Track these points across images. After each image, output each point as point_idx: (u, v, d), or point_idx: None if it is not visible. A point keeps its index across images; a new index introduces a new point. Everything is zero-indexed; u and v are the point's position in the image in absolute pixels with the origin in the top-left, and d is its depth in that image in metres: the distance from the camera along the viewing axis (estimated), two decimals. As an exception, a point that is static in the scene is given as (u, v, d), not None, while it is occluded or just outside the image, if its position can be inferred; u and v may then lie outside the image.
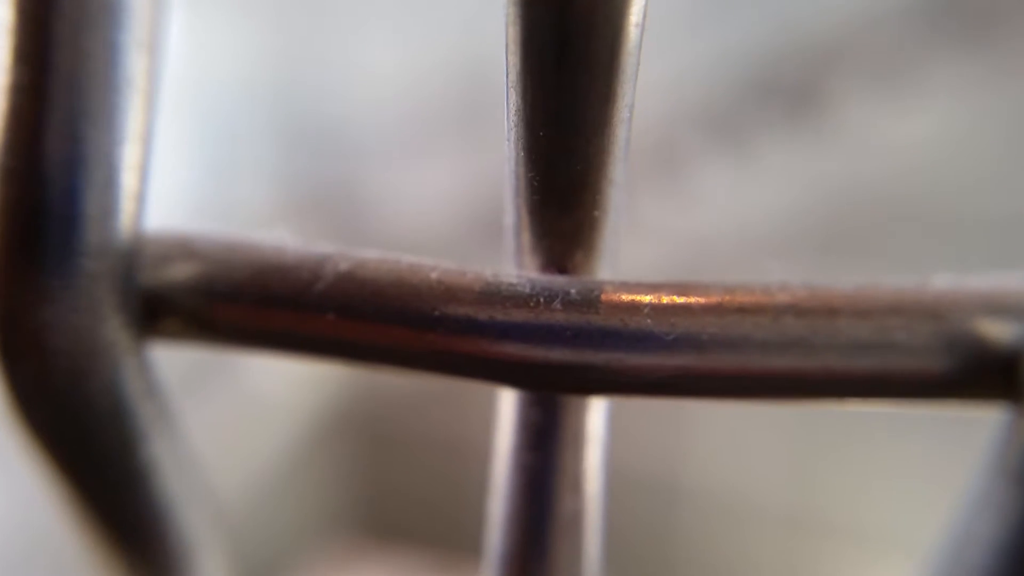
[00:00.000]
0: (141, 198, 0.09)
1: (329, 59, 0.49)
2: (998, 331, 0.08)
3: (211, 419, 0.45)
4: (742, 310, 0.08)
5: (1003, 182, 0.44)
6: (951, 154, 0.44)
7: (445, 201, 0.49)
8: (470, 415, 0.50)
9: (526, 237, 0.10)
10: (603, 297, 0.09)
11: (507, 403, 0.10)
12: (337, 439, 0.52)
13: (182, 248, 0.09)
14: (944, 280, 0.08)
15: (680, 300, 0.09)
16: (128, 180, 0.08)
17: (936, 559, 0.09)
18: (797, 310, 0.08)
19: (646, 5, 0.08)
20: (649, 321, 0.09)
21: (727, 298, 0.08)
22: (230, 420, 0.46)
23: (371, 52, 0.48)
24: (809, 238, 0.46)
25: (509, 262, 0.10)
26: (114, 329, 0.09)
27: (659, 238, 0.47)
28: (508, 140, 0.09)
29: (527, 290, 0.09)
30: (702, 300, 0.09)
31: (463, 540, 0.49)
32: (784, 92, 0.46)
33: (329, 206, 0.50)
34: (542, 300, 0.09)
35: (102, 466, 0.09)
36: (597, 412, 0.10)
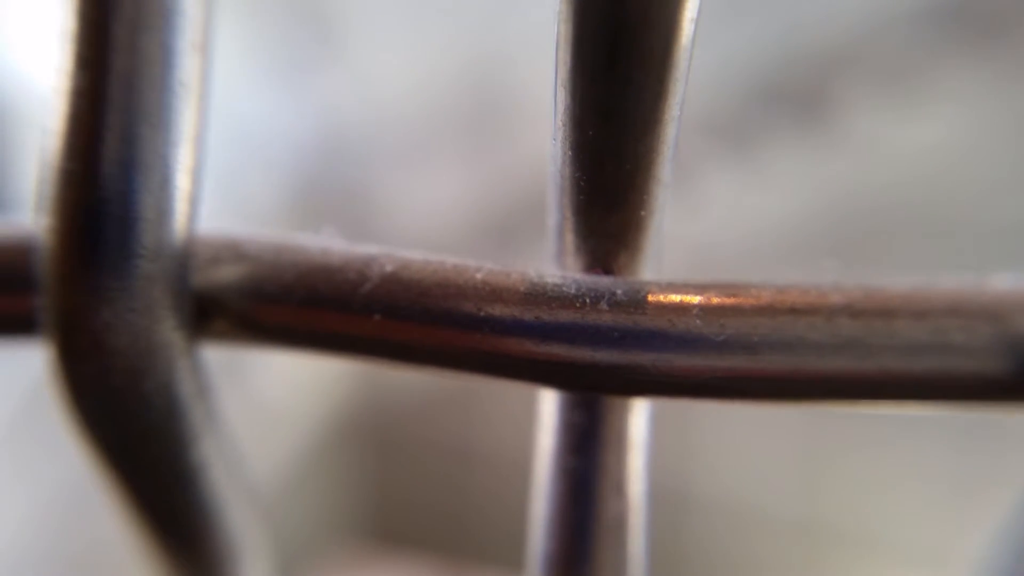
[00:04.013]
0: (194, 200, 0.09)
1: (337, 62, 0.49)
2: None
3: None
4: (794, 311, 0.08)
5: (1012, 188, 0.44)
6: (959, 160, 0.44)
7: (453, 206, 0.49)
8: (477, 422, 0.49)
9: (570, 238, 0.10)
10: (650, 298, 0.09)
11: (549, 405, 0.10)
12: (344, 445, 0.52)
13: (231, 250, 0.09)
14: (1003, 280, 0.08)
15: (730, 301, 0.09)
16: (182, 181, 0.09)
17: (992, 568, 0.09)
18: (852, 311, 0.08)
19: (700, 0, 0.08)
20: (698, 322, 0.09)
21: (779, 298, 0.08)
22: (238, 427, 0.46)
23: (378, 56, 0.48)
24: (816, 244, 0.46)
25: (550, 262, 0.10)
26: (169, 329, 0.09)
27: (665, 244, 0.47)
28: (555, 140, 0.09)
29: (573, 290, 0.09)
30: (753, 301, 0.09)
31: (469, 546, 0.49)
32: (791, 98, 0.46)
33: (337, 211, 0.50)
34: (588, 301, 0.09)
35: (155, 465, 0.09)
36: (640, 414, 0.10)
